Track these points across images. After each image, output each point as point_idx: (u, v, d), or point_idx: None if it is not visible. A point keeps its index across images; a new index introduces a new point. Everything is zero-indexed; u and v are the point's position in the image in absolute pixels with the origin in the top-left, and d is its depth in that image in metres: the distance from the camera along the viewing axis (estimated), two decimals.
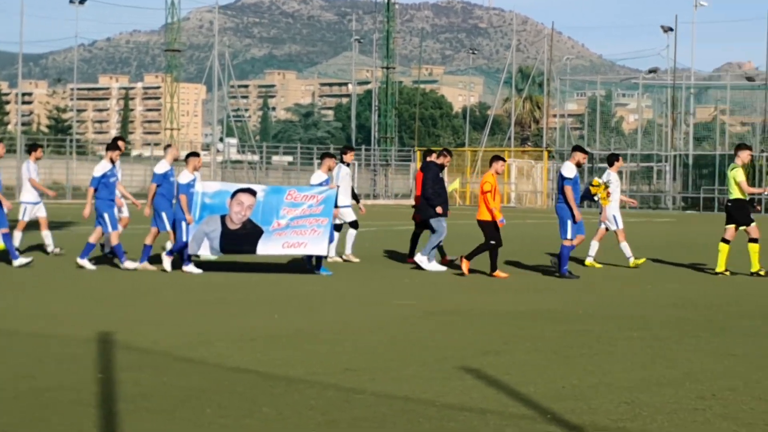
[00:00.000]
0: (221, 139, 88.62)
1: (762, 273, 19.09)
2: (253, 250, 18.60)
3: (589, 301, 15.31)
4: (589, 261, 20.88)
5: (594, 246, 21.02)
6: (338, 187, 19.89)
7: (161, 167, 19.05)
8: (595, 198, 20.26)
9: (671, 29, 64.69)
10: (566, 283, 17.83)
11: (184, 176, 18.65)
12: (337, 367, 9.56)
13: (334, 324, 12.57)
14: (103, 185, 18.71)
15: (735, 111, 77.07)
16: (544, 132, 69.90)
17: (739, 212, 19.27)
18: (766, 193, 21.42)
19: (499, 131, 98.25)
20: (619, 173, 22.56)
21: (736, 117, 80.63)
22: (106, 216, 18.59)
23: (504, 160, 19.19)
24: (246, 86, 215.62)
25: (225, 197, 18.49)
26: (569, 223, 18.58)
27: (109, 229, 18.63)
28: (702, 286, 17.63)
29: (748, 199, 19.35)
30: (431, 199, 19.91)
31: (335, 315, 13.52)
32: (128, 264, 18.51)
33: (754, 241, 19.17)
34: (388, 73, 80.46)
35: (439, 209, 19.73)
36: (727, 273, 19.20)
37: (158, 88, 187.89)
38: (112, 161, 19.12)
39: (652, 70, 67.00)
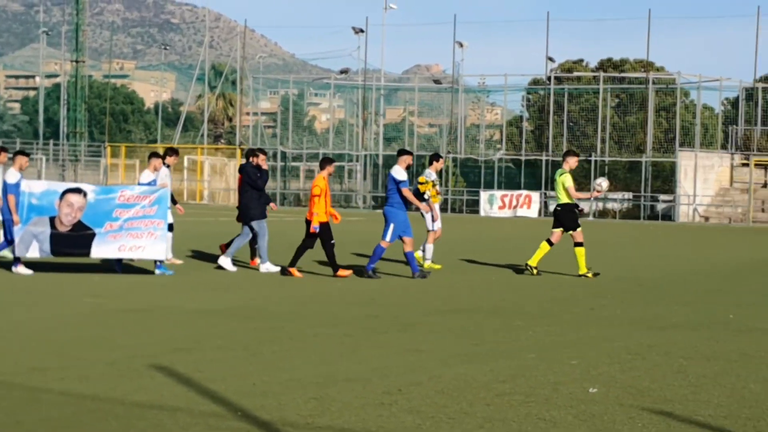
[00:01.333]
0: None
1: (590, 275, 19.53)
2: (87, 253, 18.14)
3: (282, 299, 15.44)
4: (427, 264, 21.01)
5: (429, 249, 21.15)
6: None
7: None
8: (425, 196, 20.50)
9: (362, 31, 65.95)
10: (259, 281, 17.91)
11: (11, 175, 18.03)
12: (24, 367, 9.28)
13: (23, 323, 12.19)
14: None
15: (423, 113, 79.37)
16: (238, 129, 69.95)
17: (567, 217, 19.81)
18: (592, 198, 21.95)
19: (192, 128, 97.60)
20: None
21: (425, 118, 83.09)
22: None
23: (333, 162, 19.52)
24: None
25: (53, 198, 17.92)
26: (392, 226, 18.68)
27: None
28: (390, 284, 18.03)
29: (574, 203, 19.93)
30: (246, 202, 19.96)
31: (26, 314, 13.09)
32: None
33: (579, 245, 19.69)
34: (77, 66, 78.47)
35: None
36: (535, 272, 19.76)
37: None
38: None
39: (344, 71, 68.11)
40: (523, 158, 61.44)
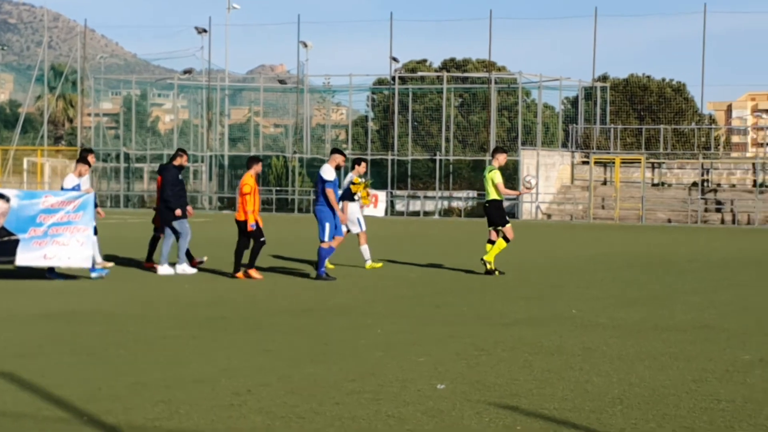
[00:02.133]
0: None
1: (490, 266, 19.76)
2: (12, 261, 17.79)
3: (128, 301, 15.23)
4: (368, 264, 20.98)
5: (365, 250, 20.97)
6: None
7: None
8: (356, 197, 20.32)
9: (205, 30, 65.43)
10: (105, 285, 17.63)
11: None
12: None
13: None
14: None
15: (269, 113, 79.09)
16: (79, 131, 68.65)
17: (496, 213, 20.08)
18: (521, 194, 22.02)
19: (31, 129, 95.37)
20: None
21: (270, 119, 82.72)
22: None
23: (260, 161, 19.59)
24: None
25: None
26: (328, 225, 18.64)
27: None
28: (239, 285, 17.92)
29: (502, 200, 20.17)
30: (170, 201, 19.59)
31: None
32: None
33: (506, 240, 19.99)
34: None
35: (178, 212, 19.49)
36: (490, 266, 19.89)
37: None
38: None
39: (187, 71, 67.42)
40: (369, 158, 61.68)
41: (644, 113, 67.09)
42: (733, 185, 55.95)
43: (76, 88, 77.96)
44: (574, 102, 63.37)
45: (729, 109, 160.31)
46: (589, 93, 62.05)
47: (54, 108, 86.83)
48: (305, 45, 66.16)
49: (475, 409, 8.10)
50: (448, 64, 69.92)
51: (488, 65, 63.23)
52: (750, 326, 13.26)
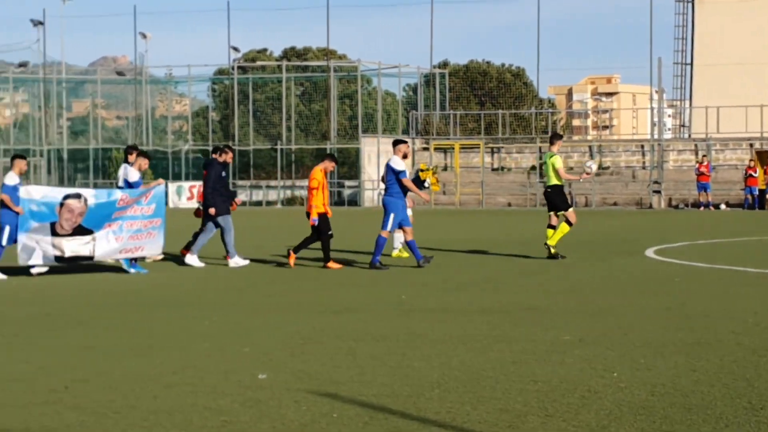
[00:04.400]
0: None
1: (554, 251, 19.94)
2: (91, 257, 18.16)
3: None
4: (395, 252, 21.16)
5: (398, 237, 21.00)
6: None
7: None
8: (426, 184, 19.96)
9: (41, 23, 64.08)
10: None
11: (10, 178, 17.61)
12: None
13: None
14: None
15: (111, 105, 77.86)
16: None
17: (558, 198, 20.17)
18: (581, 179, 21.88)
19: None
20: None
21: (112, 111, 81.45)
22: None
23: (335, 160, 20.07)
24: None
25: (53, 205, 17.74)
26: (393, 216, 18.67)
27: None
28: (65, 282, 17.62)
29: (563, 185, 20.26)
30: (207, 198, 19.47)
31: None
32: None
33: (569, 224, 20.09)
34: None
35: (211, 210, 19.38)
36: (554, 252, 20.00)
37: None
38: None
39: (23, 64, 65.98)
40: (210, 148, 61.14)
41: (485, 99, 68.06)
42: (571, 168, 57.12)
43: None
44: (415, 89, 63.91)
45: (570, 93, 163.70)
46: (428, 79, 62.62)
47: None
48: (144, 36, 65.37)
49: (294, 398, 8.11)
50: (289, 53, 69.88)
51: (327, 53, 63.33)
52: (574, 307, 13.56)
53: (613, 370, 9.11)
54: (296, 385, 8.58)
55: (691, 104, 63.62)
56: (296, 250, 19.32)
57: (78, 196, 18.25)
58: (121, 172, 20.02)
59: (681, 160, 54.34)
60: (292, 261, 19.19)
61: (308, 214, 19.28)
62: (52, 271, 18.32)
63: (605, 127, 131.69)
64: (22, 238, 17.58)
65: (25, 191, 17.82)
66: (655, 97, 56.80)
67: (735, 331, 11.24)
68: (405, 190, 19.09)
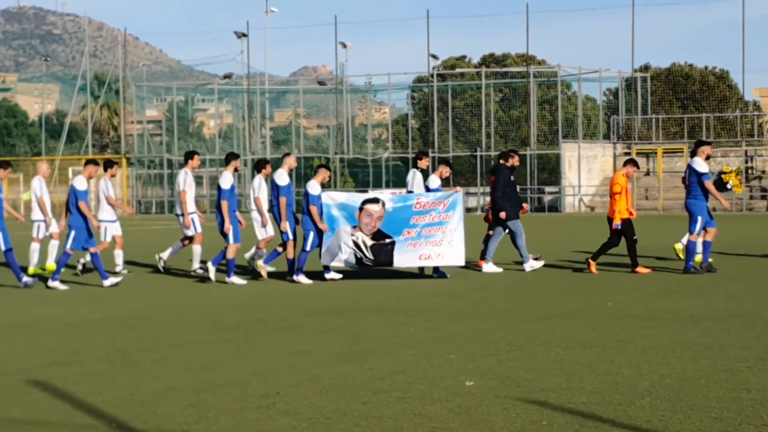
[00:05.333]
0: None
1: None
2: (390, 262, 18.60)
3: (165, 307, 15.34)
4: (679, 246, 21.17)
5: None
6: (458, 190, 19.33)
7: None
8: (728, 186, 20.36)
9: (245, 35, 65.70)
10: (148, 289, 17.74)
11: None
12: None
13: None
14: None
15: (311, 114, 79.31)
16: (122, 139, 69.14)
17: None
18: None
19: (77, 139, 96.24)
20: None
21: (313, 120, 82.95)
22: None
23: (636, 165, 20.02)
24: None
25: (353, 209, 18.50)
26: (700, 219, 18.80)
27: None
28: (277, 288, 17.97)
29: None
30: (497, 202, 19.96)
31: None
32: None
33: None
34: None
35: (502, 214, 19.85)
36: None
37: None
38: None
39: (227, 75, 67.73)
40: (410, 156, 61.70)
41: (687, 102, 66.60)
42: None
43: (119, 96, 78.45)
44: (615, 93, 63.03)
45: None
46: (629, 84, 61.70)
47: (98, 116, 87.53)
48: (344, 45, 66.29)
49: (502, 405, 8.10)
50: (487, 60, 69.78)
51: (527, 59, 63.04)
52: None
53: None
54: (504, 392, 8.57)
55: None
56: (595, 257, 19.32)
57: (376, 200, 18.72)
58: (410, 178, 20.23)
59: None
60: (593, 268, 19.16)
61: (610, 219, 19.30)
62: (272, 275, 18.76)
63: None
64: (327, 241, 18.39)
65: (327, 196, 18.63)
66: None
67: None
68: (707, 192, 19.00)
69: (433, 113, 61.85)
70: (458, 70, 67.34)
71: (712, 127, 58.98)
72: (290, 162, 19.87)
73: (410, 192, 19.61)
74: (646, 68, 66.81)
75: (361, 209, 18.48)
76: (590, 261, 19.22)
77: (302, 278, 18.47)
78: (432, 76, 63.11)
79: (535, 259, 20.26)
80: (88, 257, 19.22)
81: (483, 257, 20.07)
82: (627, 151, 57.49)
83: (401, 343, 11.37)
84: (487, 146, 59.48)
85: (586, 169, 56.21)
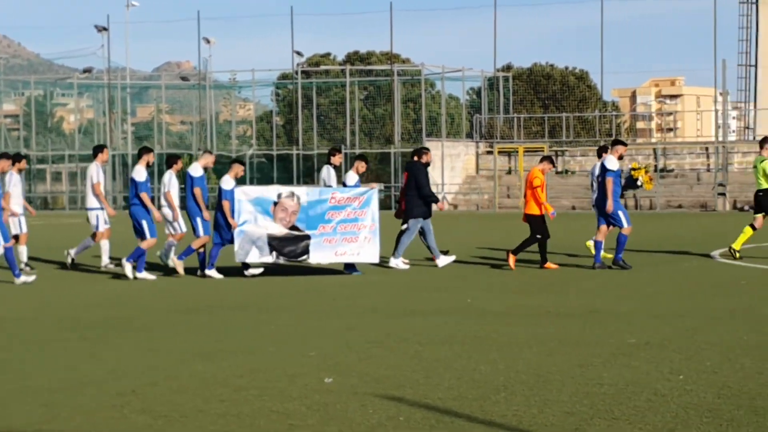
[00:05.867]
0: None
1: (737, 256, 20.14)
2: (306, 258, 18.59)
3: (19, 305, 15.05)
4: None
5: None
6: (379, 186, 19.54)
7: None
8: (638, 183, 20.21)
9: (105, 29, 64.76)
10: (6, 288, 17.41)
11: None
12: None
13: None
14: None
15: (175, 110, 78.49)
16: None
17: (765, 201, 20.29)
18: None
19: None
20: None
21: (176, 116, 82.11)
22: None
23: (552, 162, 20.08)
24: None
25: (268, 203, 18.35)
26: (620, 213, 18.98)
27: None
28: (139, 285, 17.76)
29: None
30: (429, 197, 20.07)
31: None
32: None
33: (754, 228, 20.32)
34: None
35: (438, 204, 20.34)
36: (738, 256, 20.19)
37: None
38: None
39: (87, 70, 66.69)
40: (275, 153, 61.66)
41: (548, 102, 67.79)
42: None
43: None
44: (478, 92, 63.78)
45: (633, 96, 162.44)
46: (492, 83, 62.49)
47: None
48: (208, 41, 65.82)
49: (360, 402, 8.15)
50: (352, 57, 70.05)
51: (391, 57, 63.42)
52: (639, 310, 13.49)
53: (679, 373, 9.07)
54: (362, 389, 8.62)
55: (755, 106, 62.91)
56: (543, 259, 19.35)
57: (291, 195, 18.63)
58: (324, 174, 20.11)
59: (746, 162, 53.70)
60: (550, 265, 19.28)
61: (530, 216, 19.38)
62: (153, 273, 18.54)
63: (669, 130, 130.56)
64: (239, 237, 18.20)
65: (241, 191, 18.47)
66: (720, 99, 56.23)
67: None
68: (626, 187, 19.58)
69: (297, 110, 61.82)
70: (323, 68, 67.43)
71: (572, 126, 60.09)
72: (207, 160, 19.77)
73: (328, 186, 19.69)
74: (508, 68, 67.83)
75: (275, 203, 18.43)
76: (544, 266, 19.26)
77: (213, 273, 18.44)
78: (296, 72, 63.06)
79: (444, 253, 20.54)
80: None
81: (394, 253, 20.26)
82: (489, 149, 58.26)
83: (262, 340, 11.36)
84: (352, 144, 59.67)
85: (450, 168, 56.77)
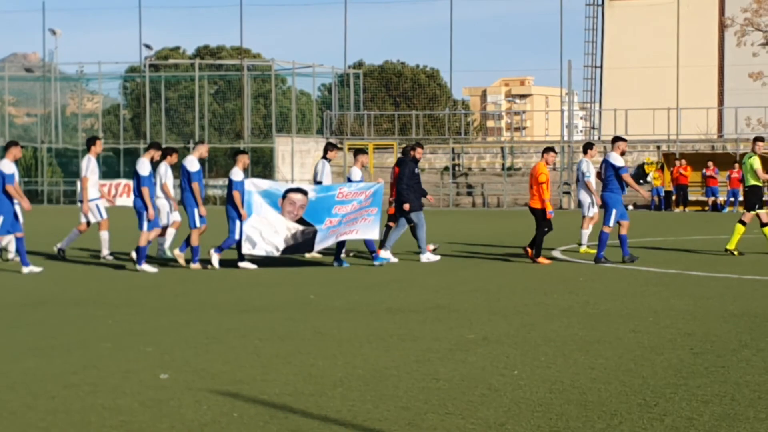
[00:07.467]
0: None
1: (736, 253, 20.64)
2: (311, 249, 19.02)
3: None
4: (583, 249, 21.90)
5: (584, 234, 22.08)
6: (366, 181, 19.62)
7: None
8: (648, 178, 20.03)
9: None
10: None
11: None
12: None
13: None
14: None
15: (21, 102, 76.78)
16: None
17: (754, 197, 20.72)
18: None
19: None
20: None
21: (22, 108, 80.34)
22: None
23: (555, 152, 20.32)
24: None
25: (277, 196, 18.63)
26: (614, 211, 19.47)
27: None
28: None
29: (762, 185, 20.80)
30: (402, 194, 19.77)
31: None
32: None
33: (743, 224, 20.70)
34: None
35: (406, 206, 19.68)
36: (736, 253, 20.56)
37: None
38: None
39: None
40: (122, 147, 60.79)
41: (399, 99, 68.26)
42: (483, 169, 57.51)
43: None
44: (330, 89, 63.87)
45: (484, 95, 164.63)
46: (342, 80, 62.64)
47: None
48: (54, 32, 64.59)
49: (195, 398, 8.08)
50: (202, 52, 69.50)
51: (241, 52, 63.08)
52: (480, 306, 13.67)
53: (514, 368, 9.21)
54: (198, 385, 8.55)
55: (601, 106, 64.36)
56: (537, 253, 19.58)
57: (300, 190, 19.12)
58: (318, 168, 20.61)
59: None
60: (543, 260, 19.53)
61: (534, 210, 19.71)
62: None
63: (518, 129, 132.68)
64: (247, 228, 18.49)
65: (251, 183, 18.77)
66: (567, 99, 57.34)
67: (635, 329, 11.41)
68: (622, 185, 19.77)
69: (145, 104, 61.05)
70: (172, 61, 66.79)
71: (422, 124, 60.63)
72: (201, 150, 19.71)
73: (319, 183, 20.08)
74: (359, 65, 68.10)
75: (284, 197, 18.68)
76: (537, 261, 19.46)
77: (239, 264, 18.75)
78: (145, 66, 62.27)
79: (433, 251, 20.71)
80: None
81: (382, 245, 20.27)
82: (339, 146, 58.32)
83: (98, 336, 11.17)
84: (201, 139, 59.15)
85: (299, 164, 56.75)
